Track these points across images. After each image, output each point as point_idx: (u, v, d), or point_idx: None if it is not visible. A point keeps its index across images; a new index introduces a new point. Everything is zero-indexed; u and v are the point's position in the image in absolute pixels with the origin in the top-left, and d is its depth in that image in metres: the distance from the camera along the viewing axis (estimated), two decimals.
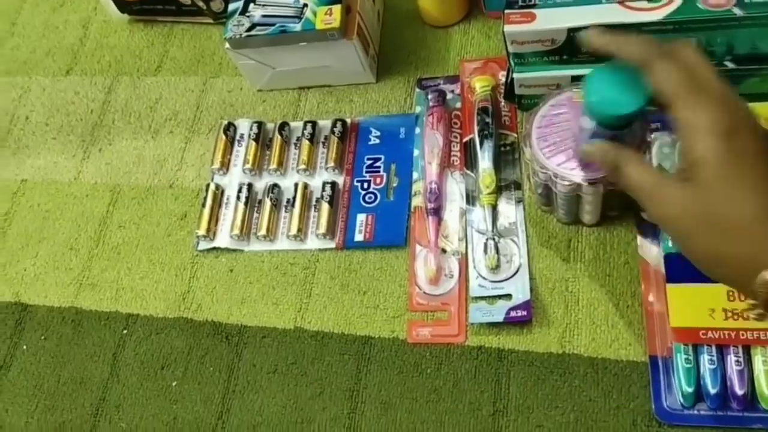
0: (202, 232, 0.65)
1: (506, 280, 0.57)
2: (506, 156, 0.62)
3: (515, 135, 0.63)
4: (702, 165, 0.38)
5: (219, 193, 0.67)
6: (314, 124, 0.68)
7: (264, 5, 0.65)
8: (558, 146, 0.51)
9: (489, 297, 0.57)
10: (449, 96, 0.66)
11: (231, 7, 0.66)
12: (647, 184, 0.41)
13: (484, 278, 0.57)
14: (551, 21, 0.54)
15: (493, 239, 0.58)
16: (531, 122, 0.53)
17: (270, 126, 0.69)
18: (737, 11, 0.51)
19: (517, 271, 0.57)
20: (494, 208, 0.59)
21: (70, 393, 0.62)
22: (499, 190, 0.60)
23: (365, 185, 0.64)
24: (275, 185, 0.66)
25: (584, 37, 0.45)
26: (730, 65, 0.55)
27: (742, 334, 0.48)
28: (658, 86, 0.40)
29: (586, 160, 0.48)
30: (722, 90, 0.40)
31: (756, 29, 0.52)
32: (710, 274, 0.40)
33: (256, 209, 0.66)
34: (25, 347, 0.65)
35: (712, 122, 0.38)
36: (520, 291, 0.56)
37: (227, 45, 0.66)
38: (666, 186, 0.40)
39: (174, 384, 0.60)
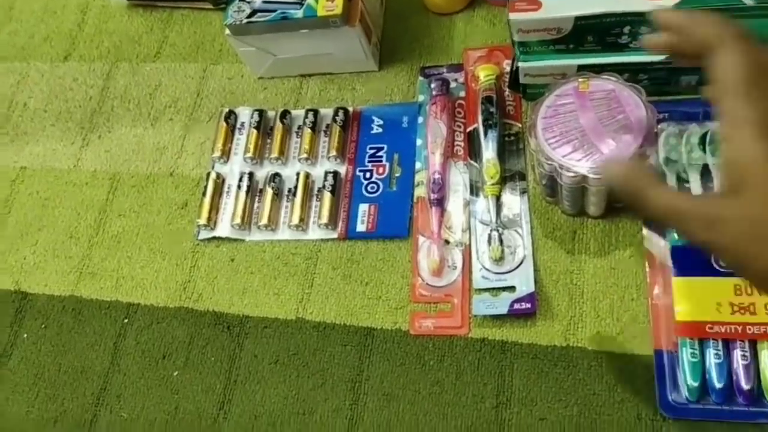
0: (202, 221, 0.64)
1: (510, 272, 0.56)
2: (510, 146, 0.61)
3: (520, 125, 0.62)
4: (755, 166, 0.32)
5: (220, 181, 0.66)
6: (316, 112, 0.67)
7: None
8: (564, 137, 0.51)
9: (493, 289, 0.56)
10: (453, 85, 0.65)
11: None
12: (689, 208, 0.34)
13: (487, 270, 0.57)
14: (557, 9, 0.53)
15: (497, 230, 0.58)
16: (536, 112, 0.52)
17: (271, 114, 0.69)
18: (747, 1, 0.50)
19: (521, 263, 0.56)
20: (498, 198, 0.59)
21: (70, 382, 0.61)
22: (503, 181, 0.59)
23: (367, 175, 0.63)
24: (276, 174, 0.65)
25: (653, 15, 0.39)
26: None
27: (749, 329, 0.48)
28: (719, 73, 0.34)
29: (607, 180, 0.40)
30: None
31: (766, 20, 0.51)
32: None
33: (257, 198, 0.65)
34: (25, 336, 0.65)
35: (764, 116, 0.33)
36: (524, 283, 0.55)
37: (227, 31, 0.65)
38: (710, 205, 0.34)
39: (175, 374, 0.60)
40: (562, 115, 0.52)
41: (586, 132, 0.50)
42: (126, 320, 0.63)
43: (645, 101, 0.51)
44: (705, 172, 0.55)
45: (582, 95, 0.52)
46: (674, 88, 0.58)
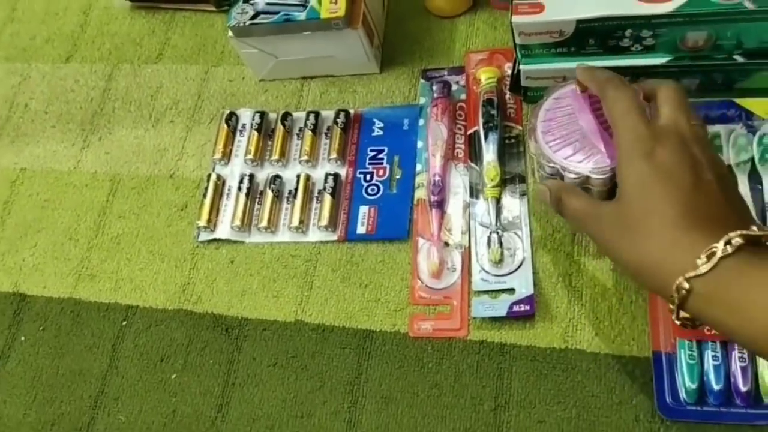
0: (202, 223, 0.64)
1: (509, 274, 0.56)
2: (511, 149, 0.61)
3: (520, 127, 0.62)
4: (623, 181, 0.43)
5: (220, 183, 0.66)
6: (317, 114, 0.67)
7: None
8: (564, 139, 0.51)
9: (492, 291, 0.56)
10: (454, 87, 0.65)
11: None
12: (582, 207, 0.46)
13: (487, 272, 0.57)
14: (560, 12, 0.53)
15: (497, 233, 0.58)
16: (536, 115, 0.52)
17: (272, 116, 0.69)
18: (748, 4, 0.50)
19: (520, 266, 0.56)
20: (498, 201, 0.59)
21: (68, 385, 0.61)
22: (503, 183, 0.59)
23: (368, 177, 0.63)
24: (277, 176, 0.65)
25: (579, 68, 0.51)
26: (739, 59, 0.54)
27: None
28: (606, 111, 0.46)
29: (539, 197, 0.52)
30: (641, 113, 0.44)
31: (766, 23, 0.52)
32: (637, 283, 0.44)
33: (257, 200, 0.65)
34: (23, 338, 0.64)
35: (631, 142, 0.43)
36: (523, 285, 0.55)
37: (230, 33, 0.65)
38: (598, 206, 0.45)
39: (173, 376, 0.59)
40: (562, 117, 0.52)
41: (586, 133, 0.50)
42: (124, 322, 0.63)
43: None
44: None
45: (581, 97, 0.52)
46: None
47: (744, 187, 0.54)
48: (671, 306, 0.39)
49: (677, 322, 0.40)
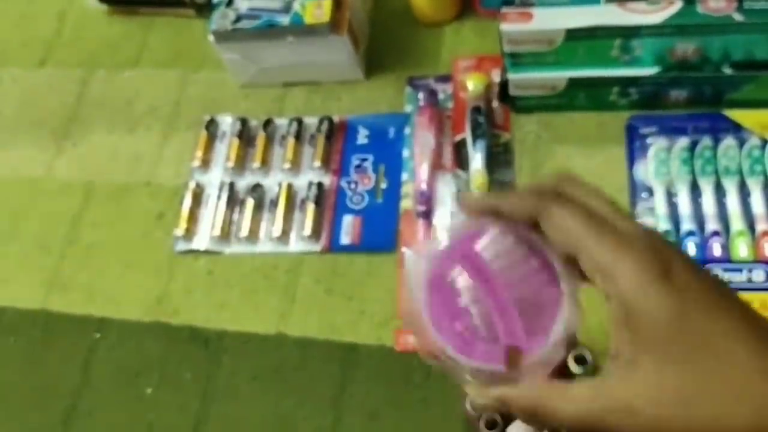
0: (180, 232, 0.62)
1: None
2: (499, 156, 0.60)
3: (509, 134, 0.61)
4: (647, 317, 0.26)
5: (199, 191, 0.64)
6: (300, 121, 0.66)
7: None
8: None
9: None
10: (441, 95, 0.64)
11: None
12: (588, 407, 0.27)
13: None
14: (549, 21, 0.52)
15: None
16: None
17: (254, 123, 0.67)
18: (737, 17, 0.50)
19: None
20: None
21: (39, 399, 0.59)
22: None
23: (353, 186, 0.62)
24: (258, 184, 0.63)
25: (460, 203, 0.33)
26: (727, 71, 0.54)
27: None
28: (559, 236, 0.29)
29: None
30: (631, 221, 0.28)
31: (754, 36, 0.52)
32: None
33: (237, 209, 0.63)
34: None
35: (641, 262, 0.26)
36: None
37: (212, 38, 0.63)
38: (615, 390, 0.27)
39: (149, 391, 0.57)
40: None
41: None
42: (98, 335, 0.61)
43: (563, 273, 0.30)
44: (694, 187, 0.55)
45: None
46: (664, 102, 0.58)
47: (733, 199, 0.53)
48: None
49: None
